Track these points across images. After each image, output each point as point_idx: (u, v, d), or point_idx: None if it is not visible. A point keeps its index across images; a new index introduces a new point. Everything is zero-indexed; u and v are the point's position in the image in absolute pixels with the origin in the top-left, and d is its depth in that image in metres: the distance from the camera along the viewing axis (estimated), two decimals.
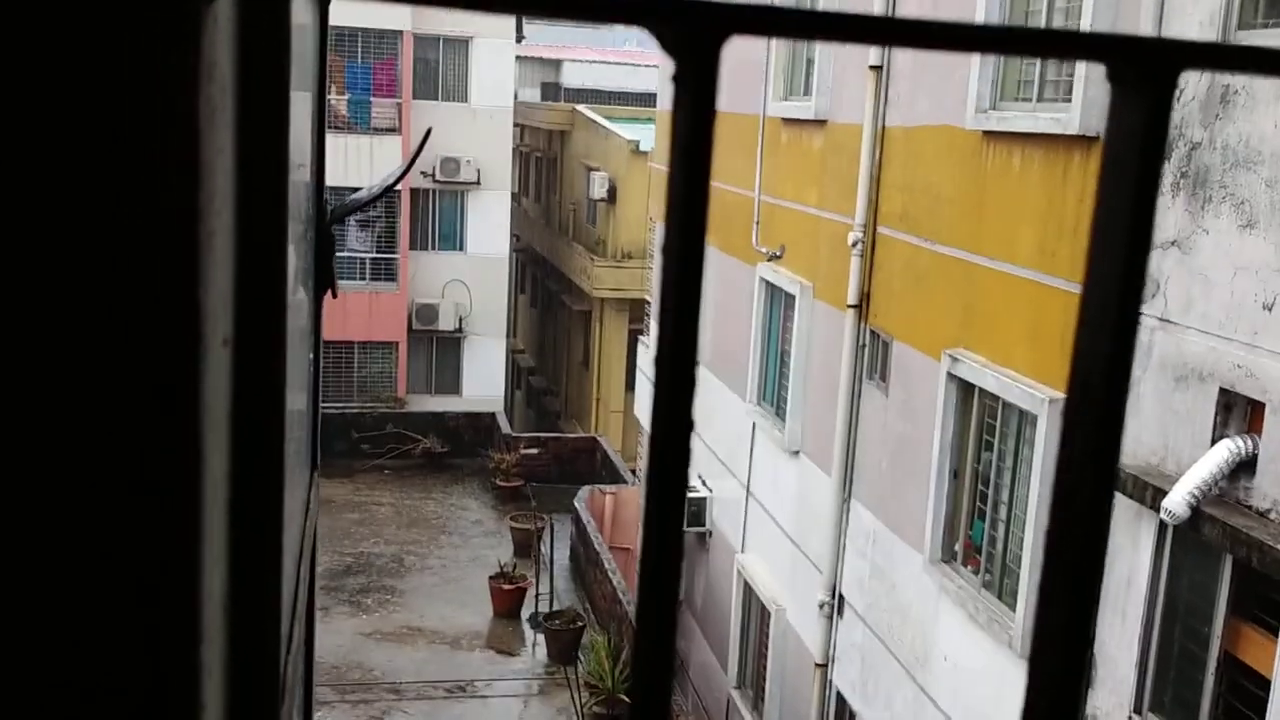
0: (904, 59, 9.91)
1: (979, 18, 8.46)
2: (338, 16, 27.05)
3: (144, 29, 0.46)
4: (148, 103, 0.46)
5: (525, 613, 17.83)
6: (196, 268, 0.49)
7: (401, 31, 25.54)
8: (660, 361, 0.52)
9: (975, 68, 8.51)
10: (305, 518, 1.37)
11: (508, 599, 17.77)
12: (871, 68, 10.17)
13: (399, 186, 25.51)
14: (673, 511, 0.56)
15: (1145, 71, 0.55)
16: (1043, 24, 8.03)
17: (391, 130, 25.70)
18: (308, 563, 1.36)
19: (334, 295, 1.70)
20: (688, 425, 0.52)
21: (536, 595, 17.72)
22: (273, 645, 0.87)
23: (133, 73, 0.47)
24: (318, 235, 1.55)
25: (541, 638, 16.99)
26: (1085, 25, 7.27)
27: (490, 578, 18.02)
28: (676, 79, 0.51)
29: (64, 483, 0.50)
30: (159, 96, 0.46)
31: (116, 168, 0.47)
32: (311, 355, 1.60)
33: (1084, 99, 7.24)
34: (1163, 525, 6.45)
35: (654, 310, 18.66)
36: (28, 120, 0.47)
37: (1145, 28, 6.74)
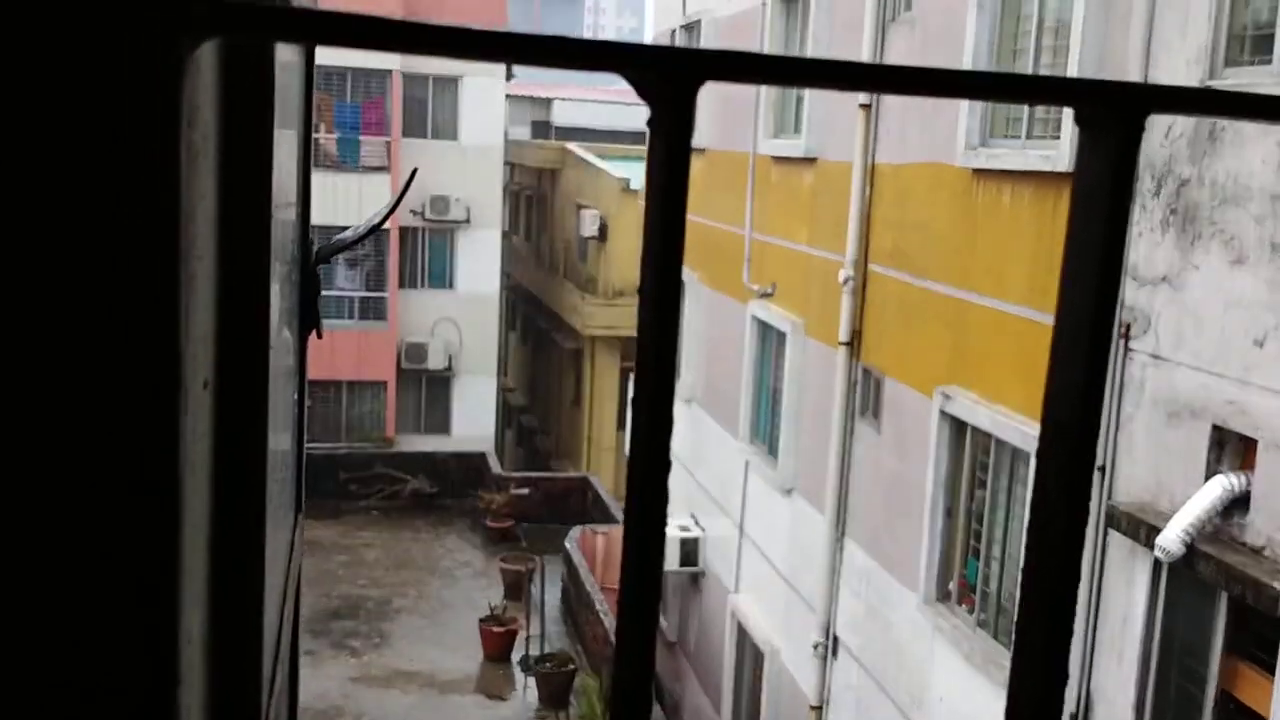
0: (894, 97, 10.00)
1: (967, 56, 8.55)
2: (326, 56, 27.25)
3: (126, 75, 0.47)
4: (128, 148, 0.47)
5: (516, 656, 17.69)
6: (176, 311, 0.49)
7: (391, 70, 25.69)
8: (638, 402, 0.53)
9: (964, 105, 8.59)
10: (289, 560, 1.37)
11: (498, 642, 17.63)
12: (861, 106, 10.25)
13: (387, 225, 25.58)
14: (652, 549, 0.57)
15: (1113, 115, 0.56)
16: (1030, 61, 8.12)
17: (381, 169, 25.80)
18: (291, 605, 1.35)
19: (319, 336, 1.70)
20: (664, 464, 0.53)
21: (527, 638, 17.58)
22: (254, 689, 0.86)
23: (114, 119, 0.47)
24: (303, 275, 1.55)
25: (532, 681, 16.84)
26: (1073, 61, 7.35)
27: (480, 620, 17.88)
28: (651, 124, 0.52)
29: (38, 520, 0.50)
30: (140, 142, 0.47)
31: (96, 212, 0.48)
32: (296, 396, 1.60)
33: (1073, 136, 7.31)
34: (1157, 563, 6.44)
35: None
36: (8, 163, 0.48)
37: (1133, 65, 6.82)
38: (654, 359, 0.55)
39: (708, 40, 14.59)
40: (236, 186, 0.67)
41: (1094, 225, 0.57)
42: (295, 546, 1.47)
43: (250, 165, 0.69)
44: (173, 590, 0.55)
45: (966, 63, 8.57)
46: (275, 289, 1.40)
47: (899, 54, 9.87)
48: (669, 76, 0.51)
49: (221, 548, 0.72)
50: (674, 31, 15.90)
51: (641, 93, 0.53)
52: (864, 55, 10.17)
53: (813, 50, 11.40)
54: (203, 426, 0.63)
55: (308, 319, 1.59)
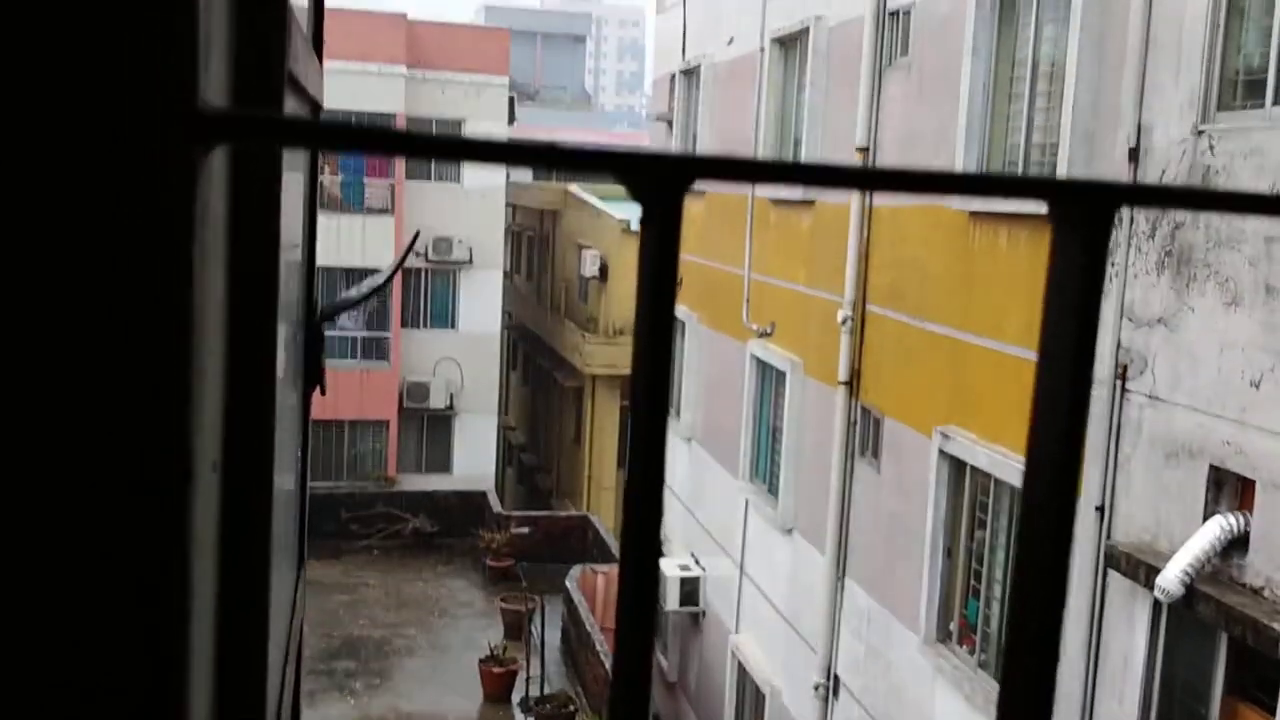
0: (890, 140, 10.08)
1: (963, 99, 8.63)
2: (331, 99, 27.38)
3: (139, 184, 0.49)
4: (141, 254, 0.49)
5: (516, 696, 17.57)
6: (187, 403, 0.52)
7: (395, 114, 25.89)
8: (628, 500, 0.55)
9: (960, 148, 8.66)
10: (291, 617, 1.38)
11: (498, 682, 17.52)
12: (858, 149, 10.33)
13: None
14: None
15: (1083, 211, 0.58)
16: (1025, 104, 8.19)
17: (384, 211, 25.94)
18: (293, 664, 1.36)
19: (323, 392, 1.72)
20: (656, 553, 0.55)
21: (527, 678, 17.47)
22: None
23: (127, 226, 0.50)
24: (307, 333, 1.58)
25: None
26: (1067, 105, 7.42)
27: (480, 660, 17.78)
28: (643, 222, 0.55)
29: (45, 607, 0.52)
30: (153, 247, 0.49)
31: (108, 319, 0.50)
32: (299, 452, 1.62)
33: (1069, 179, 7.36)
34: (1157, 603, 6.43)
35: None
36: (31, 259, 0.50)
37: (1126, 109, 6.88)
38: (645, 446, 0.57)
39: (706, 83, 14.72)
40: (245, 273, 0.70)
41: (1066, 316, 0.60)
42: (297, 602, 1.48)
43: (258, 249, 0.72)
44: (180, 680, 0.57)
45: (962, 105, 8.65)
46: (280, 350, 1.42)
47: (896, 98, 9.96)
48: (658, 179, 0.54)
49: (226, 628, 0.74)
50: (674, 75, 16.04)
51: (633, 193, 0.56)
52: (861, 100, 10.27)
53: (810, 94, 11.50)
54: (208, 509, 0.65)
55: (311, 376, 1.61)
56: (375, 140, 0.49)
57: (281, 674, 1.20)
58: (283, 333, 1.38)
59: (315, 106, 1.56)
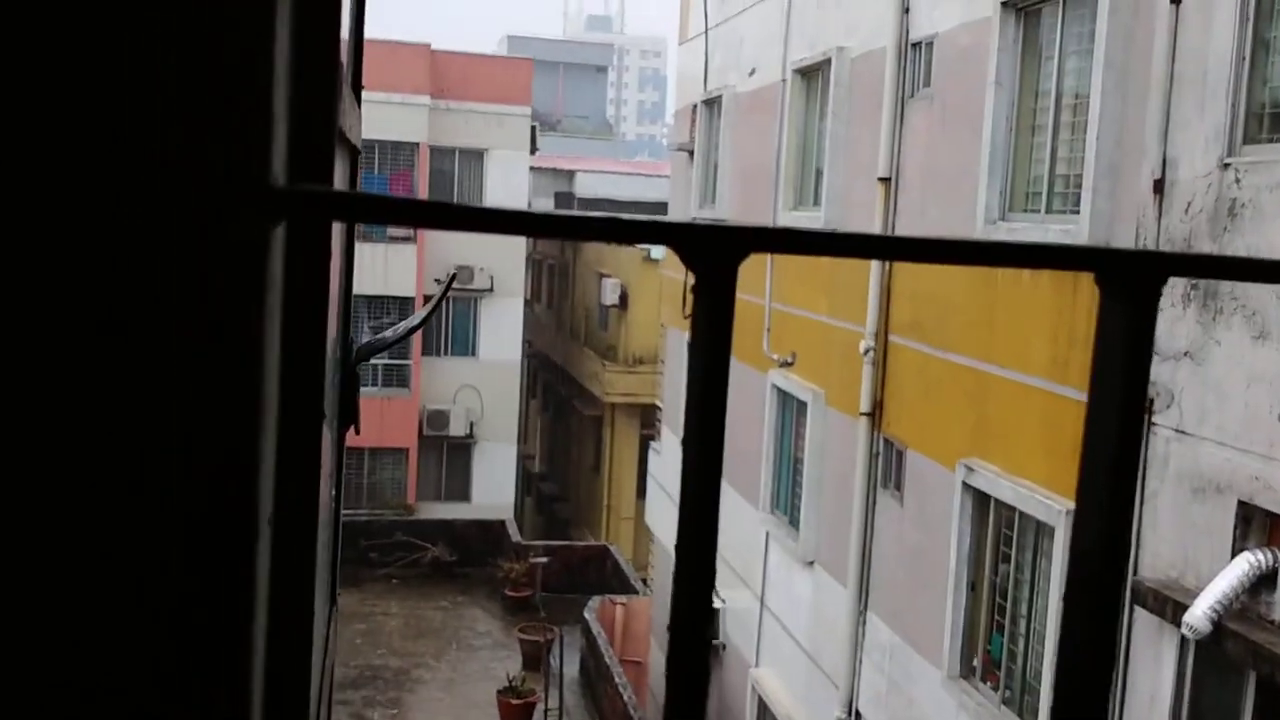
0: (913, 171, 10.09)
1: (986, 131, 8.64)
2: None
3: (219, 254, 0.51)
4: (219, 322, 0.51)
5: None
6: (257, 459, 0.53)
7: (418, 144, 26.09)
8: (680, 554, 0.56)
9: (984, 178, 8.66)
10: (325, 655, 1.39)
11: (516, 714, 17.44)
12: (880, 179, 10.35)
13: (412, 293, 25.80)
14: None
15: (1130, 280, 0.59)
16: (1049, 136, 8.19)
17: (407, 239, 26.09)
18: (326, 705, 1.37)
19: (357, 432, 1.73)
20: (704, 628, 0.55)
21: (546, 710, 17.39)
22: None
23: (207, 296, 0.51)
24: (343, 375, 1.59)
25: None
26: (1090, 138, 7.41)
27: (498, 692, 17.71)
28: (697, 292, 0.56)
29: (140, 672, 0.53)
30: (230, 318, 0.51)
31: (187, 382, 0.51)
32: (334, 492, 1.63)
33: (1092, 210, 7.35)
34: (1184, 641, 6.36)
35: (664, 431, 18.38)
36: (111, 325, 0.52)
37: (1150, 143, 6.87)
38: (696, 508, 0.58)
39: (728, 113, 14.79)
40: (295, 343, 0.71)
41: (1113, 381, 0.60)
42: (330, 641, 1.49)
43: (310, 309, 0.73)
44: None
45: (985, 138, 8.66)
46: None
47: (918, 130, 9.98)
48: (712, 250, 0.55)
49: (272, 680, 0.74)
50: (695, 105, 16.12)
51: (688, 264, 0.57)
52: (883, 131, 10.28)
53: (832, 125, 11.54)
54: (264, 563, 0.66)
55: (346, 416, 1.62)
56: (431, 215, 0.50)
57: (316, 710, 1.21)
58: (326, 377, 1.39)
59: (355, 151, 1.59)
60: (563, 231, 0.53)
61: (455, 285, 26.69)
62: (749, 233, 0.54)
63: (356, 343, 1.91)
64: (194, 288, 0.50)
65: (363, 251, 25.44)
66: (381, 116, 25.40)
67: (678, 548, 0.56)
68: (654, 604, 17.96)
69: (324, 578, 1.44)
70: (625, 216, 0.54)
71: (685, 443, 0.57)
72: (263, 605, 0.66)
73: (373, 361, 26.53)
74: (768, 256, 13.08)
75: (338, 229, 1.26)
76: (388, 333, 2.38)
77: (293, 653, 0.78)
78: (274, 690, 0.76)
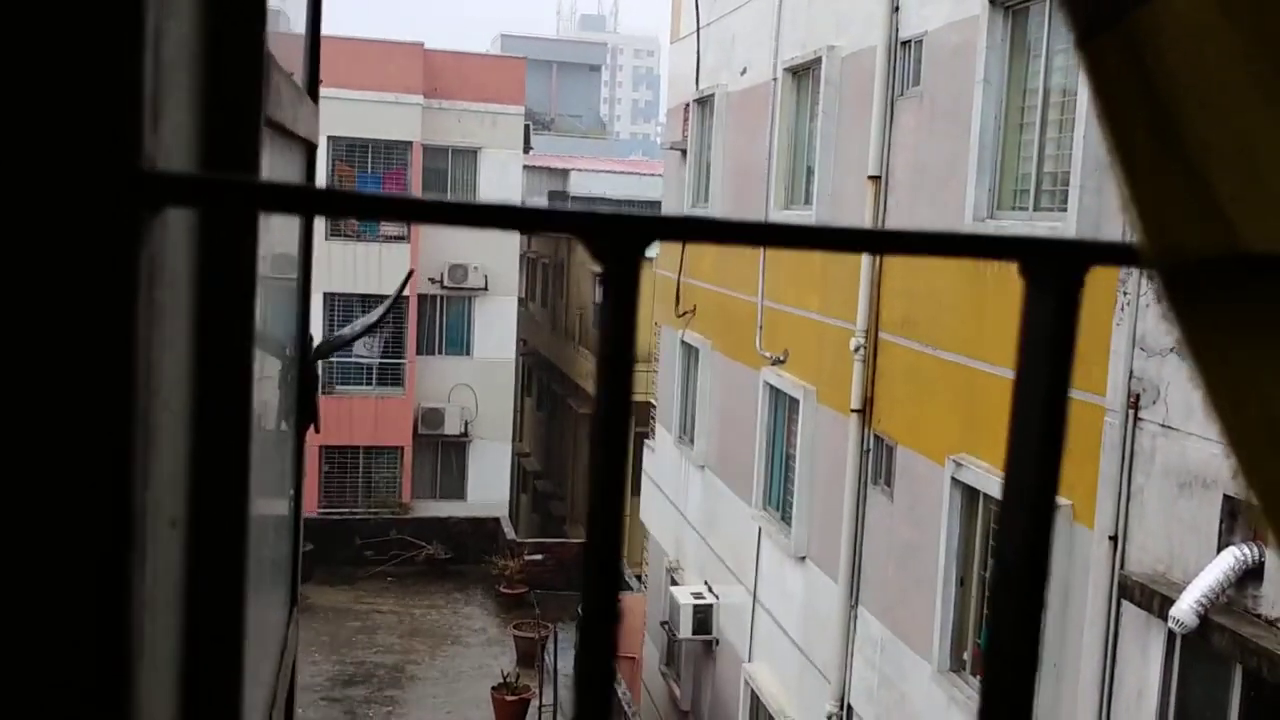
0: (902, 169, 10.09)
1: (974, 129, 8.64)
2: (348, 127, 27.42)
3: (83, 247, 0.49)
4: (79, 320, 0.49)
5: None
6: (129, 467, 0.51)
7: (411, 142, 26.06)
8: (588, 557, 0.54)
9: (972, 175, 8.66)
10: (281, 657, 1.37)
11: (511, 710, 17.45)
12: (870, 177, 10.34)
13: (407, 294, 25.76)
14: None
15: (1055, 269, 0.57)
16: (1036, 134, 8.18)
17: (400, 239, 26.06)
18: (282, 707, 1.35)
19: (317, 430, 1.72)
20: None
21: (540, 706, 17.39)
22: None
23: (71, 280, 0.49)
24: (301, 373, 1.57)
25: None
26: (1078, 135, 7.41)
27: (493, 688, 17.72)
28: (602, 282, 0.54)
29: None
30: (91, 313, 0.49)
31: (50, 373, 0.50)
32: (293, 492, 1.62)
33: (1080, 207, 7.35)
34: (1171, 635, 6.36)
35: (658, 429, 18.33)
36: None
37: None
38: (601, 498, 0.56)
39: (720, 112, 14.77)
40: (216, 338, 0.69)
41: (1039, 372, 0.59)
42: (288, 644, 1.47)
43: (231, 319, 0.72)
44: None
45: (974, 135, 8.65)
46: (273, 388, 1.42)
47: (908, 128, 9.97)
48: (617, 239, 0.54)
49: (196, 674, 0.73)
50: (688, 104, 16.11)
51: (594, 253, 0.55)
52: (873, 129, 10.28)
53: (822, 123, 11.53)
54: (168, 566, 0.64)
55: (305, 415, 1.61)
56: (322, 202, 0.49)
57: (269, 717, 1.19)
58: (273, 371, 1.38)
59: (310, 147, 1.57)
60: (457, 219, 0.52)
61: (450, 284, 26.67)
62: (652, 222, 0.52)
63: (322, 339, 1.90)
64: (51, 275, 0.48)
65: (356, 251, 25.45)
66: (374, 116, 25.37)
67: (586, 547, 0.55)
68: (647, 600, 17.96)
69: (279, 578, 1.42)
70: (523, 205, 0.53)
71: (591, 436, 0.56)
72: (166, 603, 0.64)
73: (367, 360, 26.50)
74: (760, 255, 13.08)
75: (283, 222, 1.25)
76: (345, 330, 2.37)
77: (221, 652, 0.76)
78: (198, 691, 0.74)
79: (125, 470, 0.51)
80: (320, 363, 1.87)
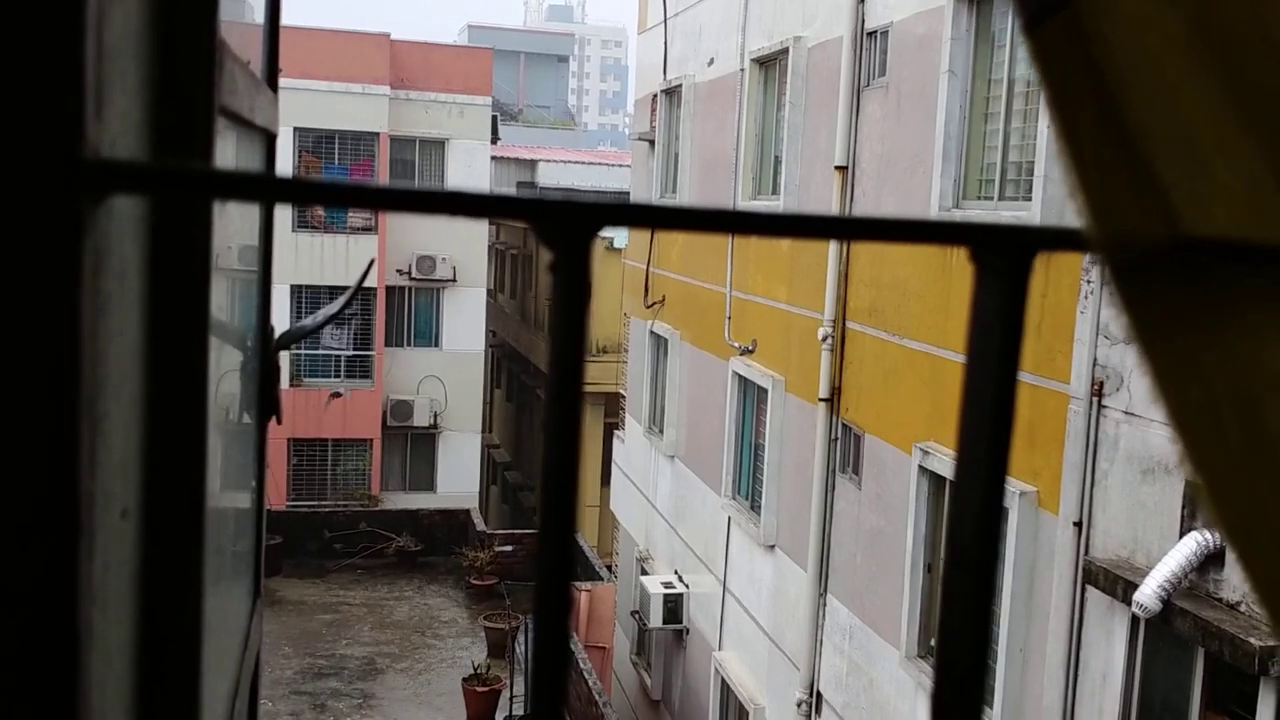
0: (869, 159, 10.12)
1: (939, 119, 8.68)
2: (315, 118, 27.23)
3: (18, 234, 0.48)
4: (20, 309, 0.48)
5: (500, 715, 17.48)
6: (75, 456, 0.51)
7: (378, 133, 25.90)
8: (540, 548, 0.54)
9: (938, 165, 8.71)
10: (244, 650, 1.36)
11: (482, 702, 17.44)
12: (837, 168, 10.37)
13: (374, 284, 25.64)
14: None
15: (1004, 255, 0.58)
16: (1001, 123, 8.24)
17: (367, 229, 25.91)
18: (245, 699, 1.35)
19: (279, 422, 1.71)
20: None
21: (511, 697, 17.39)
22: None
23: (4, 271, 0.49)
24: (263, 363, 1.56)
25: None
26: (1043, 125, 7.46)
27: (464, 680, 17.70)
28: (552, 268, 0.54)
29: None
30: (32, 304, 0.48)
31: None
32: (255, 483, 1.60)
33: (1044, 197, 7.41)
34: (1135, 619, 6.44)
35: (628, 420, 18.37)
36: None
37: None
38: (556, 491, 0.57)
39: (688, 103, 14.77)
40: (167, 323, 0.69)
41: (988, 356, 0.60)
42: (251, 636, 1.46)
43: (183, 296, 0.71)
44: None
45: (939, 125, 8.70)
46: (235, 375, 1.41)
47: (873, 118, 10.01)
48: (566, 225, 0.54)
49: (151, 670, 0.72)
50: (656, 95, 16.10)
51: (544, 240, 0.55)
52: (840, 119, 10.31)
53: (789, 113, 11.55)
54: (121, 557, 0.64)
55: (267, 406, 1.60)
56: (267, 188, 0.48)
57: (231, 708, 1.18)
58: (233, 361, 1.37)
59: (269, 137, 1.56)
60: (407, 205, 0.52)
61: (418, 275, 26.55)
62: (601, 208, 0.52)
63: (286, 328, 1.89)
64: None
65: (324, 242, 25.29)
66: (341, 107, 25.19)
67: (538, 540, 0.55)
68: (618, 590, 17.99)
69: (241, 570, 1.41)
70: (474, 190, 0.52)
71: (545, 423, 0.56)
72: (121, 594, 0.64)
73: (336, 352, 26.35)
74: (728, 246, 13.10)
75: (243, 211, 1.23)
76: (308, 320, 2.35)
77: (179, 643, 0.76)
78: (154, 683, 0.74)
79: (71, 460, 0.50)
80: (286, 354, 1.86)
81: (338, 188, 0.51)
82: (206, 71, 0.76)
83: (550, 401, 0.56)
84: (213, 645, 1.00)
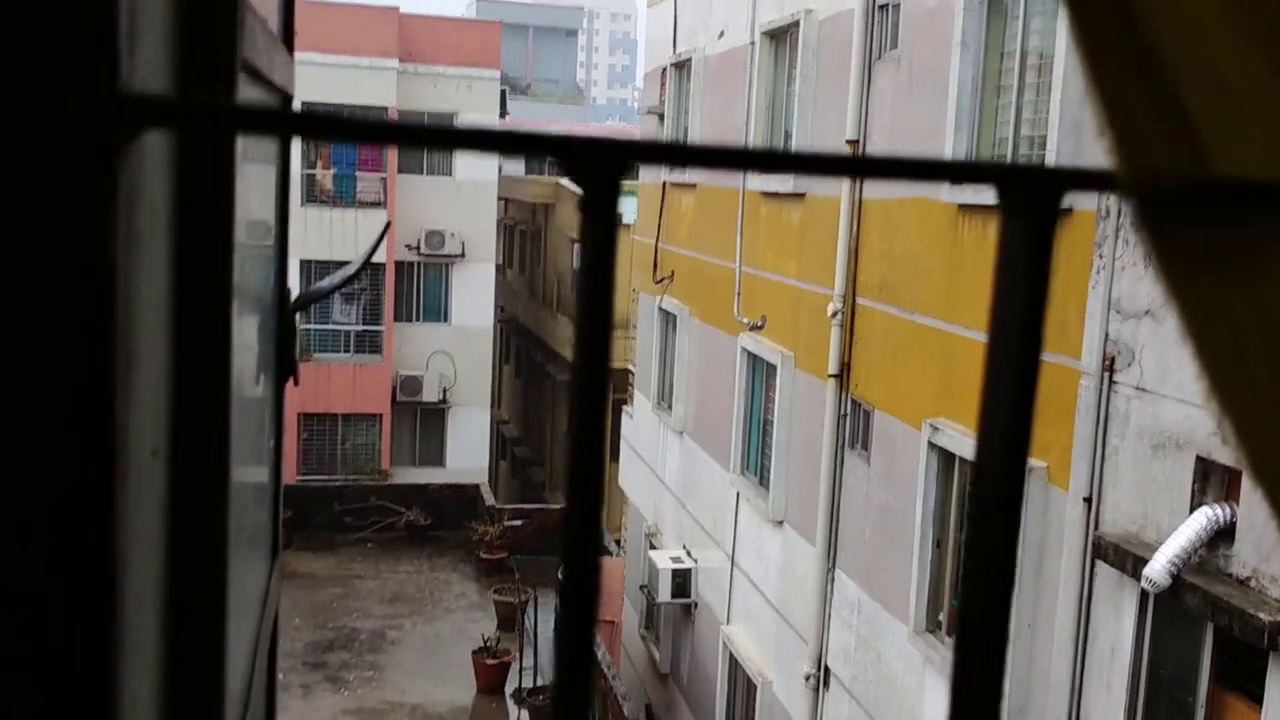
0: (880, 132, 10.08)
1: (951, 92, 8.63)
2: (323, 93, 27.15)
3: (56, 168, 0.49)
4: (58, 241, 0.49)
5: (509, 688, 17.59)
6: (111, 385, 0.51)
7: (387, 108, 25.84)
8: (571, 475, 0.55)
9: (950, 139, 8.66)
10: (263, 607, 1.37)
11: (491, 674, 17.55)
12: (849, 142, 10.33)
13: (383, 260, 25.64)
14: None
15: (1031, 196, 0.58)
16: (1014, 96, 8.19)
17: (377, 204, 25.89)
18: (265, 654, 1.36)
19: (295, 383, 1.71)
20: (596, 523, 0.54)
21: (520, 670, 17.50)
22: None
23: (41, 212, 0.49)
24: (280, 323, 1.57)
25: (526, 713, 16.74)
26: (1055, 98, 7.42)
27: (474, 652, 17.80)
28: (582, 206, 0.54)
29: None
30: (70, 235, 0.49)
31: (23, 303, 0.50)
32: (273, 442, 1.61)
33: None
34: (1144, 594, 6.45)
35: (637, 396, 18.37)
36: None
37: None
38: (582, 433, 0.57)
39: (697, 76, 14.70)
40: (193, 265, 0.69)
41: (1015, 303, 0.60)
42: (271, 593, 1.48)
43: (209, 246, 0.71)
44: (111, 665, 0.56)
45: (951, 98, 8.65)
46: (251, 338, 1.42)
47: (885, 91, 9.96)
48: (597, 162, 0.54)
49: (178, 611, 0.73)
50: (665, 69, 16.02)
51: (574, 178, 0.55)
52: (851, 93, 10.26)
53: (800, 87, 11.50)
54: (151, 495, 0.65)
55: (284, 366, 1.61)
56: (297, 124, 0.49)
57: (251, 664, 1.19)
58: (251, 321, 1.37)
59: (285, 98, 1.56)
60: (433, 142, 0.52)
61: (427, 251, 26.53)
62: (631, 144, 0.53)
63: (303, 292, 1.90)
64: (30, 199, 0.48)
65: (332, 217, 25.28)
66: (349, 81, 25.13)
67: (568, 473, 0.55)
68: (626, 564, 18.05)
69: (261, 528, 1.43)
70: (501, 128, 0.53)
71: (572, 366, 0.56)
72: (149, 533, 0.64)
73: (345, 328, 26.39)
74: (738, 221, 13.07)
75: (268, 172, 1.24)
76: (324, 282, 2.36)
77: (203, 591, 0.77)
78: (182, 616, 0.74)
79: (108, 393, 0.51)
80: (298, 324, 1.87)
81: (359, 123, 0.51)
82: (229, 23, 0.76)
83: (580, 336, 0.56)
84: (234, 598, 1.01)
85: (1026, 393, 0.61)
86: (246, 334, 1.26)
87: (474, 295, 27.39)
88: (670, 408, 15.68)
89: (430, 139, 0.52)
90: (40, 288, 0.49)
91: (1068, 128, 7.30)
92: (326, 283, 2.30)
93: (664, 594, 14.52)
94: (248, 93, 0.99)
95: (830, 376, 10.63)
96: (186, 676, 0.74)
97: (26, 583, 0.50)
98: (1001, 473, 0.63)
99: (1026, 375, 0.61)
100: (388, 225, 3.35)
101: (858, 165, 0.55)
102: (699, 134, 14.76)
